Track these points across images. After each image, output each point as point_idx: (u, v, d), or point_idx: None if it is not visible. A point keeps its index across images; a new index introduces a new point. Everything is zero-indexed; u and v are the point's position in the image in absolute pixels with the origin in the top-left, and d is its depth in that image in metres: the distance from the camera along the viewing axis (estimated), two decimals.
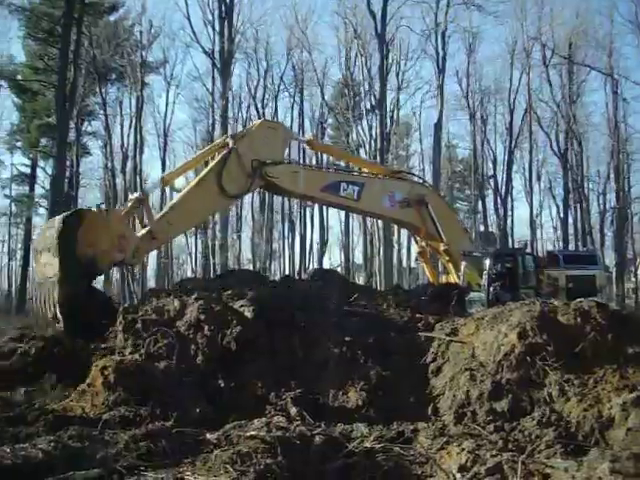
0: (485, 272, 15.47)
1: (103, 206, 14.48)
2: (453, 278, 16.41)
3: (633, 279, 64.47)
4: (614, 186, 54.99)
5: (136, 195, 13.27)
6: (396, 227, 58.33)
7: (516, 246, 32.41)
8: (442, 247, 16.50)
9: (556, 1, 62.88)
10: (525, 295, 14.10)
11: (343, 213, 65.63)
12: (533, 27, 52.17)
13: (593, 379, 8.59)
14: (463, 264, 15.76)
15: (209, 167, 14.12)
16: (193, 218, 14.26)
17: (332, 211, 67.73)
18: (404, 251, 62.45)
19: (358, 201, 15.46)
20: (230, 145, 14.03)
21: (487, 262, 15.66)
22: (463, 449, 6.56)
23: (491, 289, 15.28)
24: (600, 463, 5.55)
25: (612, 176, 54.86)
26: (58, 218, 11.89)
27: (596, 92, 54.23)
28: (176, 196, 14.88)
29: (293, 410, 8.62)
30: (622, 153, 53.20)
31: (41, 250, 11.96)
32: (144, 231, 12.51)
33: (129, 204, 13.15)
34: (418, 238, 18.01)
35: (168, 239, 14.89)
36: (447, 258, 16.65)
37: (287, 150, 15.78)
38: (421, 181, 17.81)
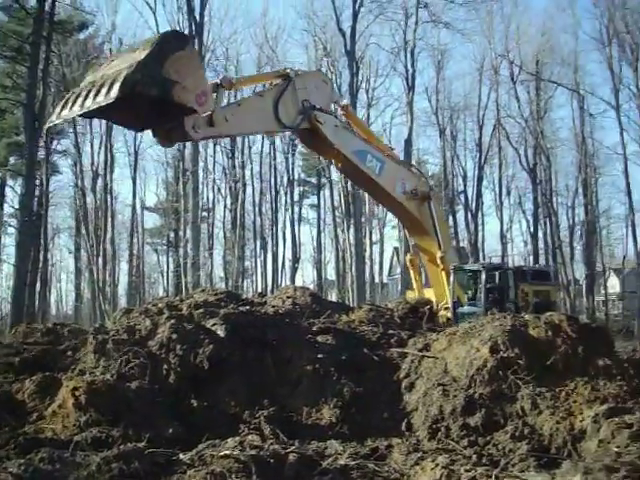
0: (481, 286, 15.57)
1: None
2: (439, 291, 16.14)
3: (603, 292, 65.06)
4: (582, 200, 55.69)
5: (216, 81, 13.07)
6: (368, 242, 58.53)
7: (493, 261, 32.72)
8: (439, 254, 16.03)
9: (522, 19, 63.73)
10: (508, 309, 14.23)
11: (315, 230, 65.95)
12: (501, 44, 52.92)
13: (565, 392, 8.66)
14: (452, 278, 15.69)
15: (268, 90, 14.16)
16: (245, 126, 13.92)
17: (304, 228, 67.99)
18: (376, 267, 62.61)
19: (379, 176, 15.41)
20: (290, 76, 14.11)
21: (483, 276, 15.76)
22: (437, 464, 6.56)
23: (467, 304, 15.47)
24: (573, 475, 5.59)
25: (580, 190, 55.55)
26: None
27: (563, 108, 55.27)
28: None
29: (267, 429, 8.58)
30: (589, 167, 53.92)
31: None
32: (208, 113, 11.97)
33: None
34: (412, 244, 17.63)
35: (221, 134, 14.64)
36: (442, 267, 16.07)
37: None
38: (424, 179, 17.64)
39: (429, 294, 16.49)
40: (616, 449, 6.80)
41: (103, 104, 10.04)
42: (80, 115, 11.29)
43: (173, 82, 10.38)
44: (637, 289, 53.36)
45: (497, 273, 16.18)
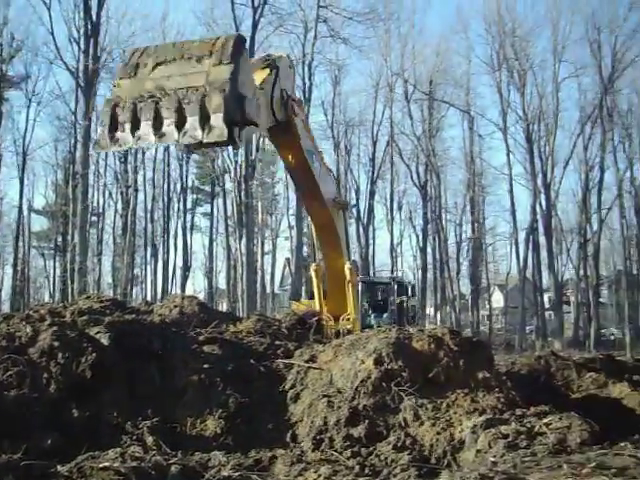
0: (393, 298, 15.73)
1: None
2: (341, 302, 15.94)
3: (487, 306, 67.16)
4: (470, 217, 57.48)
5: None
6: (260, 252, 58.41)
7: (383, 275, 33.58)
8: (348, 265, 15.85)
9: (418, 39, 65.80)
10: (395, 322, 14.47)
11: (207, 238, 65.43)
12: (396, 63, 54.53)
13: (446, 403, 8.89)
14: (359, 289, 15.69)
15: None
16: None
17: (196, 236, 67.38)
18: (268, 277, 62.68)
19: (319, 179, 14.86)
20: (277, 64, 12.71)
21: (394, 289, 15.93)
22: (320, 475, 6.61)
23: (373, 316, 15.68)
24: None
25: (468, 208, 57.38)
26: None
27: (454, 127, 57.31)
28: None
29: (149, 439, 8.42)
30: (477, 186, 55.79)
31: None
32: None
33: None
34: (322, 253, 17.27)
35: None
36: (349, 278, 15.90)
37: None
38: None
39: (315, 305, 16.59)
40: (492, 459, 7.03)
41: (204, 141, 9.03)
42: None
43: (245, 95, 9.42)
44: (519, 304, 55.42)
45: (407, 286, 16.52)
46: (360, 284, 17.23)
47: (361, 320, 17.17)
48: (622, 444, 7.27)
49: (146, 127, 9.00)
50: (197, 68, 9.12)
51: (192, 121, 8.84)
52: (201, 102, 8.82)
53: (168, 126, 8.96)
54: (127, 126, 9.09)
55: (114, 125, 9.16)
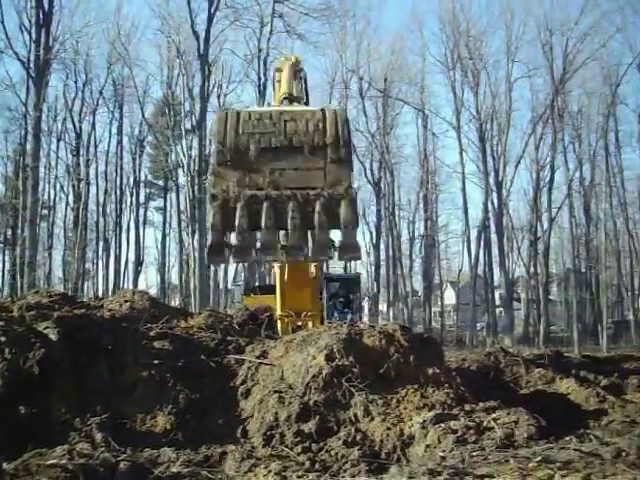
0: (359, 294, 15.73)
1: None
2: (304, 298, 15.64)
3: (439, 303, 67.80)
4: (423, 215, 57.92)
5: None
6: None
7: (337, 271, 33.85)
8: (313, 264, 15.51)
9: (374, 37, 66.00)
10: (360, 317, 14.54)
11: (160, 233, 64.87)
12: (352, 60, 54.65)
13: (396, 399, 8.97)
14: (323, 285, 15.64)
15: None
16: None
17: (149, 230, 66.76)
18: (221, 273, 62.37)
19: None
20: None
21: (358, 285, 15.94)
22: (270, 471, 6.61)
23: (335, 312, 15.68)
24: (399, 479, 5.76)
25: (421, 205, 57.81)
26: None
27: (408, 125, 57.69)
28: None
29: (98, 436, 8.31)
30: (430, 184, 56.22)
31: None
32: None
33: None
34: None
35: None
36: (314, 276, 15.85)
37: None
38: None
39: (269, 301, 16.56)
40: (441, 453, 7.14)
41: (337, 259, 8.76)
42: None
43: None
44: (470, 301, 56.02)
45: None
46: (324, 280, 17.26)
47: (325, 316, 17.17)
48: (567, 438, 7.42)
49: (268, 236, 8.13)
50: (311, 162, 8.11)
51: (321, 235, 8.16)
52: (326, 211, 8.03)
53: (295, 238, 8.15)
54: (246, 235, 8.17)
55: (227, 229, 8.20)
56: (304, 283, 15.62)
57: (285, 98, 9.92)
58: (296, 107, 8.49)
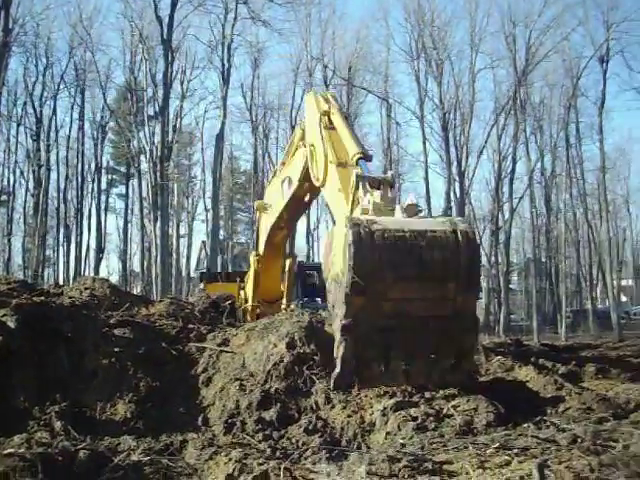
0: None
1: None
2: (275, 287, 15.64)
3: None
4: None
5: None
6: (176, 235, 57.84)
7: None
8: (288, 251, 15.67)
9: (338, 25, 65.90)
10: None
11: (122, 220, 64.38)
12: (316, 48, 54.48)
13: (357, 387, 9.01)
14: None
15: None
16: None
17: (111, 217, 66.16)
18: (183, 260, 62.14)
19: None
20: None
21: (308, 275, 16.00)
22: (231, 458, 6.60)
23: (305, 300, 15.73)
24: (358, 466, 5.81)
25: None
26: None
27: (372, 114, 57.62)
28: None
29: (57, 424, 8.24)
30: (394, 173, 56.20)
31: None
32: None
33: None
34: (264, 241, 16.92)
35: None
36: (287, 268, 15.80)
37: None
38: None
39: (230, 289, 16.55)
40: (401, 440, 7.20)
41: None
42: None
43: None
44: None
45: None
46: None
47: (297, 304, 17.31)
48: (525, 425, 7.52)
49: (396, 365, 7.76)
50: (441, 291, 7.75)
51: (444, 363, 7.82)
52: (450, 339, 7.74)
53: (418, 366, 7.81)
54: (375, 365, 7.74)
55: (357, 359, 7.67)
56: (278, 275, 15.66)
57: (360, 158, 9.43)
58: (425, 222, 7.87)
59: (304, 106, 11.90)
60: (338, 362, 7.44)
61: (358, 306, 7.31)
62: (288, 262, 15.89)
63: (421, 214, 8.26)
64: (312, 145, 10.59)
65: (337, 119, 10.27)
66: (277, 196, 13.45)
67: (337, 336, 7.48)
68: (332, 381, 7.81)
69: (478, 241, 8.56)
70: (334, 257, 7.68)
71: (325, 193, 10.39)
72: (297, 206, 13.34)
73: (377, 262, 7.32)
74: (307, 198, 12.80)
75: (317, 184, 10.51)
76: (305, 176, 11.33)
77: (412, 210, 7.87)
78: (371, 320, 7.38)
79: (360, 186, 8.42)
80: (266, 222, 14.21)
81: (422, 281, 7.56)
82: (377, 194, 8.07)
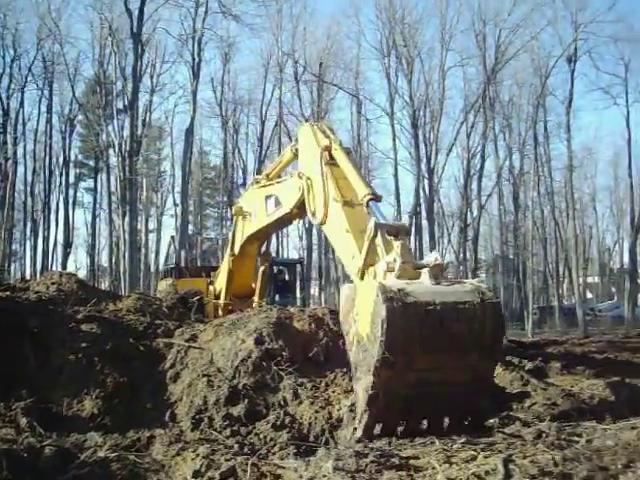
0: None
1: None
2: (247, 282, 15.54)
3: None
4: None
5: None
6: (144, 230, 57.49)
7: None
8: (263, 248, 15.81)
9: (310, 21, 65.76)
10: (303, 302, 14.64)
11: (90, 214, 63.85)
12: (287, 43, 54.30)
13: (325, 382, 9.08)
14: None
15: None
16: None
17: (79, 211, 65.58)
18: (152, 255, 61.77)
19: None
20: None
21: (298, 269, 16.02)
22: (198, 455, 6.61)
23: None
24: (326, 461, 5.83)
25: None
26: None
27: (343, 110, 57.55)
28: None
29: (23, 421, 8.18)
30: (363, 169, 56.34)
31: None
32: None
33: None
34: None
35: None
36: (262, 269, 15.60)
37: None
38: None
39: (198, 283, 16.55)
40: None
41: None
42: None
43: None
44: None
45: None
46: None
47: (268, 300, 17.30)
48: (491, 421, 7.60)
49: (414, 424, 7.64)
50: (465, 361, 7.68)
51: (459, 421, 7.74)
52: (466, 402, 7.68)
53: (438, 425, 7.66)
54: (393, 424, 7.59)
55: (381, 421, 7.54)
56: (251, 274, 15.62)
57: (371, 199, 9.13)
58: (454, 292, 7.72)
59: (299, 138, 11.61)
60: (361, 426, 7.39)
61: (385, 378, 7.18)
62: (262, 262, 15.79)
63: (446, 272, 8.13)
64: (309, 179, 10.39)
65: (340, 155, 9.98)
66: (259, 208, 13.06)
67: (360, 396, 7.39)
68: (359, 432, 7.63)
69: (502, 310, 8.39)
70: (357, 316, 7.55)
71: (327, 232, 10.11)
72: (281, 225, 13.24)
73: (408, 337, 7.18)
74: (294, 221, 12.73)
75: (314, 221, 10.32)
76: (299, 206, 11.16)
77: (438, 271, 7.75)
78: (396, 390, 7.30)
79: (379, 234, 8.06)
80: (244, 229, 13.91)
81: (448, 352, 7.47)
82: (397, 245, 7.87)
